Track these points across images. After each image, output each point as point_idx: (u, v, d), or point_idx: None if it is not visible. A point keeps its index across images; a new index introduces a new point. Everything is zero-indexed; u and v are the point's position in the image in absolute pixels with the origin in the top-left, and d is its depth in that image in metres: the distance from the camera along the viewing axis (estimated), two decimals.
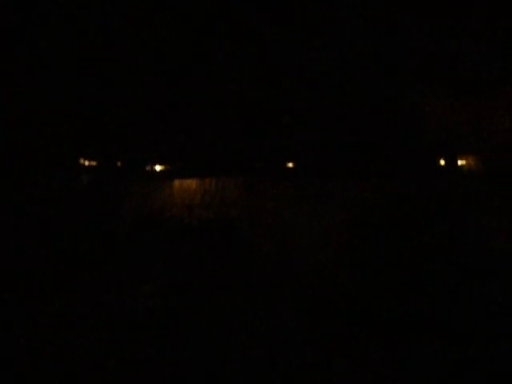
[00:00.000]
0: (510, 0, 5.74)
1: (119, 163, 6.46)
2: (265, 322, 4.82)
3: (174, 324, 4.91)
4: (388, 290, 5.13)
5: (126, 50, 6.43)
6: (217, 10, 6.38)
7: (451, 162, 5.94)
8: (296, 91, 6.18)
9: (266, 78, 6.24)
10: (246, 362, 4.32)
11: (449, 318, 4.72)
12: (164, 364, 4.38)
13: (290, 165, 6.27)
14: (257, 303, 5.04)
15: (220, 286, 5.27)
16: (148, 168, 6.47)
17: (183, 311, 5.06)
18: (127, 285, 5.37)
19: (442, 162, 5.95)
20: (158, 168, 6.48)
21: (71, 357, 4.44)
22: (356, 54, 6.14)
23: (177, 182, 6.35)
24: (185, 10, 6.41)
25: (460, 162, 5.89)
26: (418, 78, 6.06)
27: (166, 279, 5.48)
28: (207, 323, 4.84)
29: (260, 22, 6.26)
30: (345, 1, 6.10)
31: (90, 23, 6.27)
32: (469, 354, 4.22)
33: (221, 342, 4.61)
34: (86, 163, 6.32)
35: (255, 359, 4.34)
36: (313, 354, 4.41)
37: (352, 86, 6.05)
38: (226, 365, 4.30)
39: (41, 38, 6.12)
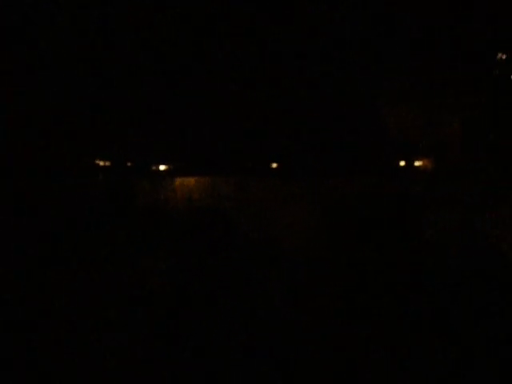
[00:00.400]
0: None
1: (129, 163, 7.34)
2: (252, 286, 5.65)
3: (179, 295, 5.61)
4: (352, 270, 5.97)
5: (129, 57, 6.66)
6: (217, 9, 6.57)
7: (409, 163, 6.90)
8: (280, 104, 7.08)
9: (252, 93, 7.02)
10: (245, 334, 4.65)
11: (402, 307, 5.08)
12: (169, 332, 4.78)
13: (274, 165, 7.22)
14: (244, 276, 5.92)
15: (214, 263, 6.14)
16: (154, 167, 7.34)
17: (186, 284, 5.85)
18: (138, 264, 6.18)
19: (402, 163, 6.92)
20: (162, 167, 7.35)
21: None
22: (325, 62, 6.62)
23: (178, 179, 7.24)
24: (185, 9, 6.54)
25: (417, 163, 6.88)
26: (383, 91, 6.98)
27: (169, 258, 6.38)
28: (207, 291, 5.60)
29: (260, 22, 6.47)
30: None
31: (91, 23, 6.42)
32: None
33: (219, 305, 5.26)
34: (102, 164, 7.24)
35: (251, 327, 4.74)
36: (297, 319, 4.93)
37: (324, 98, 6.93)
38: (226, 334, 4.64)
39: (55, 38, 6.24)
